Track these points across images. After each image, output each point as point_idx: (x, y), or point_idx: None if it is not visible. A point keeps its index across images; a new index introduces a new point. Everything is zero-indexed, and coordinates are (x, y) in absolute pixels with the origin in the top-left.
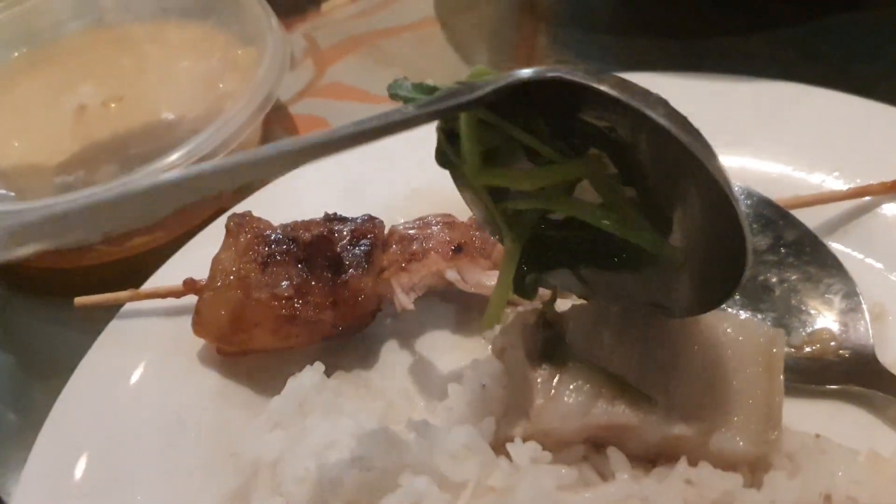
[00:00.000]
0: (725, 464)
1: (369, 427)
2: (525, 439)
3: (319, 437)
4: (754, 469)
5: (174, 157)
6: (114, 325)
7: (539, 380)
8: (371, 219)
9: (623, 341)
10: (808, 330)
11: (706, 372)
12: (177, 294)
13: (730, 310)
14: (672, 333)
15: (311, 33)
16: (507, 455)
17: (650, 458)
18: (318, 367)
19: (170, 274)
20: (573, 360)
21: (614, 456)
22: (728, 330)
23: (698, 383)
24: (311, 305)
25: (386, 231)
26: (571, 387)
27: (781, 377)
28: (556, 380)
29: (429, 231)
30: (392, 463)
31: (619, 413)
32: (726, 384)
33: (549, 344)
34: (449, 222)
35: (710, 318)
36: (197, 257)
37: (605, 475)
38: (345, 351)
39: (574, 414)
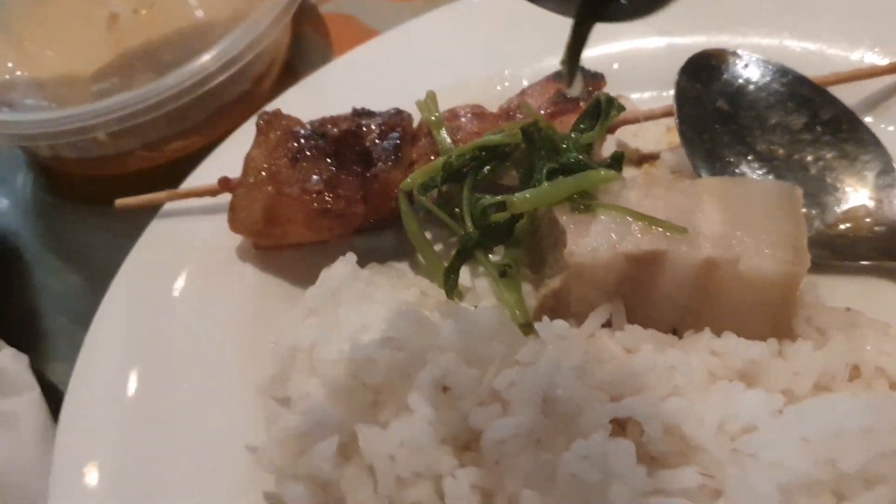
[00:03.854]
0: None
1: (400, 312)
2: (560, 290)
3: (352, 323)
4: (781, 338)
5: (205, 58)
6: (154, 226)
7: (571, 225)
8: (399, 112)
9: (648, 196)
10: (843, 207)
11: (730, 214)
12: (213, 192)
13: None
14: (694, 189)
15: None
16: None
17: (674, 328)
18: (351, 257)
19: (206, 174)
20: (602, 208)
21: (637, 331)
22: (748, 186)
23: (724, 222)
24: (343, 199)
25: (415, 125)
26: (602, 226)
27: (803, 219)
28: (587, 223)
29: (457, 122)
30: (422, 343)
31: (648, 241)
32: (751, 222)
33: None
34: (478, 113)
35: (729, 179)
36: (232, 157)
37: (630, 351)
38: (379, 244)
39: (605, 246)
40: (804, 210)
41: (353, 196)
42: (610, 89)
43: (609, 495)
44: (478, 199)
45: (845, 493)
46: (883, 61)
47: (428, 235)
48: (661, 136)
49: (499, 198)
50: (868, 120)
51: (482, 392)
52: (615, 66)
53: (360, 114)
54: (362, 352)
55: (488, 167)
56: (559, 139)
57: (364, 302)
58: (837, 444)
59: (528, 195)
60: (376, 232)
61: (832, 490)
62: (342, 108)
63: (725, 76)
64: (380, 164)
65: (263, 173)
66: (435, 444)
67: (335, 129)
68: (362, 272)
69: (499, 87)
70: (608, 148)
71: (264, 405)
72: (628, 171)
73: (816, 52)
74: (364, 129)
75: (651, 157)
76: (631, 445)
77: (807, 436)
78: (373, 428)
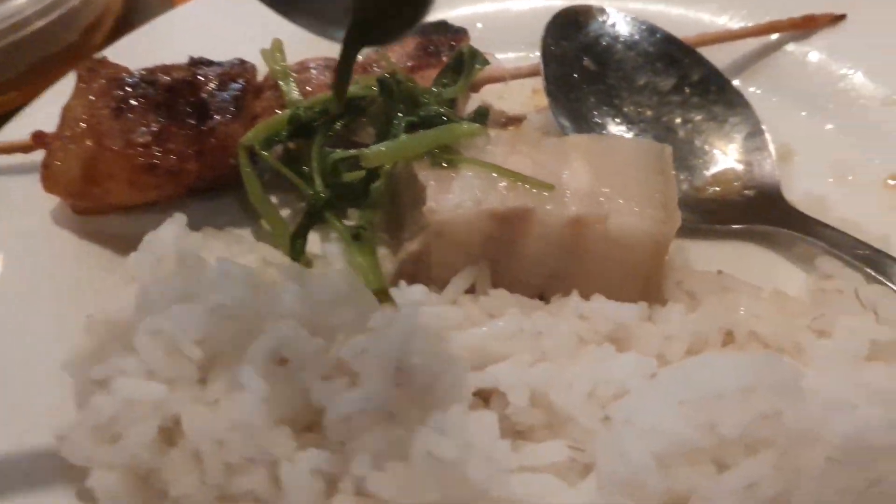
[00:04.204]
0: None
1: (232, 275)
2: (419, 253)
3: (178, 290)
4: (651, 303)
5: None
6: None
7: (431, 181)
8: (242, 63)
9: (514, 152)
10: (713, 171)
11: (599, 171)
12: (25, 149)
13: None
14: (562, 146)
15: None
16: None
17: (541, 294)
18: (180, 219)
19: (20, 129)
20: (465, 163)
21: (502, 295)
22: (618, 143)
23: (592, 179)
24: (173, 154)
25: (262, 78)
26: (465, 182)
27: (673, 177)
28: (449, 179)
29: (307, 74)
30: (258, 311)
31: (514, 198)
32: (620, 180)
33: (440, 153)
34: (332, 65)
35: (598, 137)
36: (51, 112)
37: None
38: (218, 208)
39: (468, 203)
40: (673, 173)
41: (185, 151)
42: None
43: (468, 473)
44: (328, 153)
45: (727, 460)
46: (752, 23)
47: (276, 201)
48: (526, 99)
49: (351, 151)
50: (736, 83)
51: (327, 364)
52: (479, 25)
53: (198, 63)
54: (188, 322)
55: (341, 122)
56: (420, 93)
57: (195, 267)
58: (716, 406)
59: (383, 148)
60: (215, 194)
61: (713, 458)
62: (181, 60)
63: (592, 34)
64: (217, 116)
65: (83, 125)
66: (270, 424)
67: (168, 78)
68: (193, 236)
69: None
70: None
71: (76, 385)
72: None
73: (685, 13)
74: (201, 79)
75: (516, 120)
76: (493, 417)
77: (683, 399)
78: (199, 408)
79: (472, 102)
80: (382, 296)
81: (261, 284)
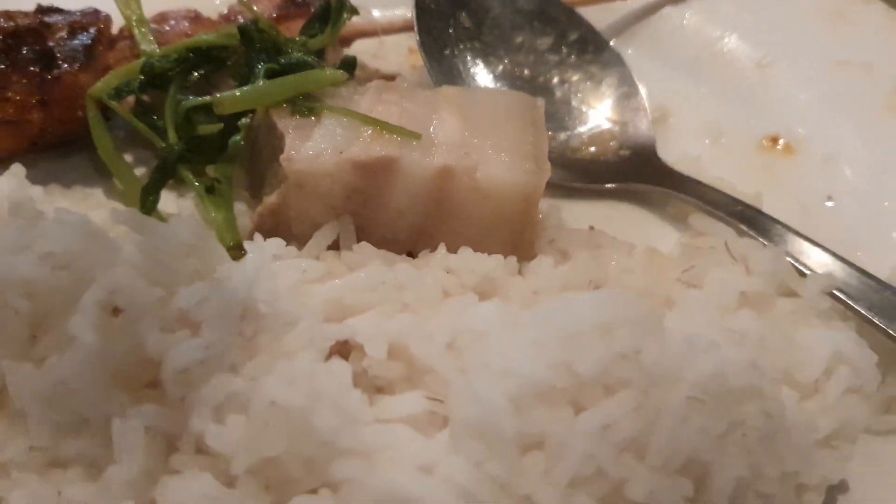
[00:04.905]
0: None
1: (66, 222)
2: (279, 207)
3: (8, 240)
4: (520, 257)
5: None
6: None
7: (290, 129)
8: (95, 12)
9: (381, 101)
10: (589, 130)
11: (469, 122)
12: None
13: None
14: (432, 97)
15: None
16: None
17: (409, 252)
18: (17, 170)
19: None
20: (328, 111)
21: (366, 249)
22: (489, 95)
23: (462, 130)
24: (12, 103)
25: (118, 30)
26: (326, 130)
27: (545, 130)
28: (309, 127)
29: (166, 25)
30: (94, 261)
31: (378, 147)
32: (491, 131)
33: (302, 101)
34: (193, 17)
35: (470, 89)
36: None
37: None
38: (67, 166)
39: (329, 152)
40: (550, 133)
41: (26, 100)
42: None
43: (315, 422)
44: (180, 101)
45: (584, 401)
46: None
47: (133, 159)
48: (402, 59)
49: (205, 98)
50: (613, 44)
51: (167, 315)
52: None
53: (46, 10)
54: (14, 271)
55: (199, 72)
56: (283, 42)
57: (32, 219)
58: (573, 345)
59: (238, 93)
60: (65, 151)
61: (570, 399)
62: (28, 7)
63: None
64: (65, 65)
65: None
66: (103, 380)
67: (9, 23)
68: (32, 189)
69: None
70: None
71: None
72: None
73: None
74: (49, 27)
75: (390, 78)
76: (346, 367)
77: (539, 338)
78: (24, 365)
79: None
80: (236, 252)
81: (96, 232)
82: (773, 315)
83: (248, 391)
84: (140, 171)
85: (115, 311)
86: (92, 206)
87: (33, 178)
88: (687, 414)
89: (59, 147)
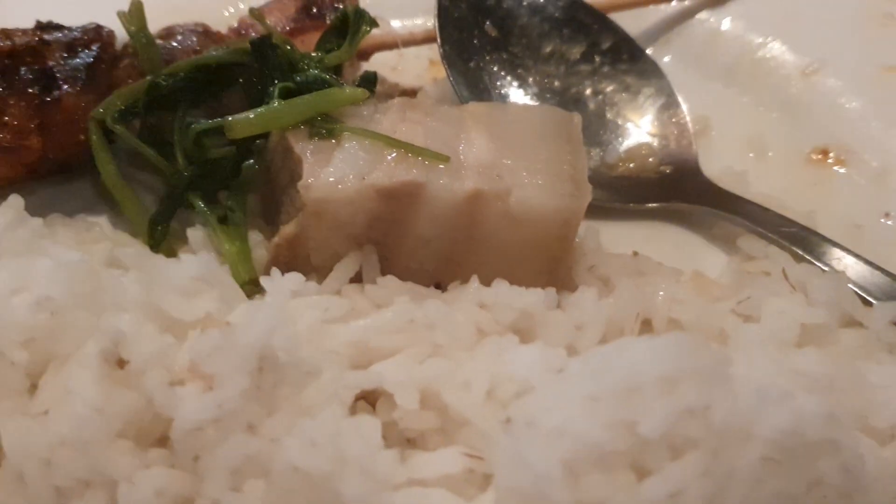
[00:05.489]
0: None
1: (64, 262)
2: (296, 237)
3: (2, 283)
4: (561, 289)
5: None
6: None
7: (308, 153)
8: (98, 28)
9: (405, 120)
10: (626, 145)
11: (500, 141)
12: None
13: None
14: (459, 114)
15: None
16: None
17: (437, 283)
18: (15, 202)
19: None
20: (348, 133)
21: (391, 283)
22: (521, 111)
23: (493, 150)
24: (9, 128)
25: (121, 45)
26: (347, 154)
27: (583, 148)
28: (329, 151)
29: (173, 41)
30: (96, 306)
31: (403, 171)
32: (524, 151)
33: (320, 122)
34: (202, 31)
35: (499, 104)
36: None
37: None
38: (69, 193)
39: (350, 177)
40: (583, 145)
41: (24, 125)
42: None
43: (340, 488)
44: (190, 125)
45: (649, 464)
46: None
47: (139, 185)
48: (423, 72)
49: (216, 121)
50: (649, 52)
51: (176, 365)
52: None
53: (45, 27)
54: (9, 316)
55: (210, 91)
56: (299, 58)
57: (32, 254)
58: (633, 400)
59: (251, 115)
60: (68, 177)
61: (631, 463)
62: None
63: None
64: (65, 86)
65: None
66: (107, 439)
67: (7, 42)
68: (32, 221)
69: (230, 12)
70: None
71: None
72: None
73: None
74: (48, 45)
75: (411, 92)
76: (374, 424)
77: (594, 393)
78: (22, 422)
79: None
80: (251, 287)
81: (98, 272)
82: (838, 351)
83: (267, 453)
84: (149, 199)
85: (120, 361)
86: (96, 237)
87: (32, 207)
88: (761, 475)
89: (60, 173)
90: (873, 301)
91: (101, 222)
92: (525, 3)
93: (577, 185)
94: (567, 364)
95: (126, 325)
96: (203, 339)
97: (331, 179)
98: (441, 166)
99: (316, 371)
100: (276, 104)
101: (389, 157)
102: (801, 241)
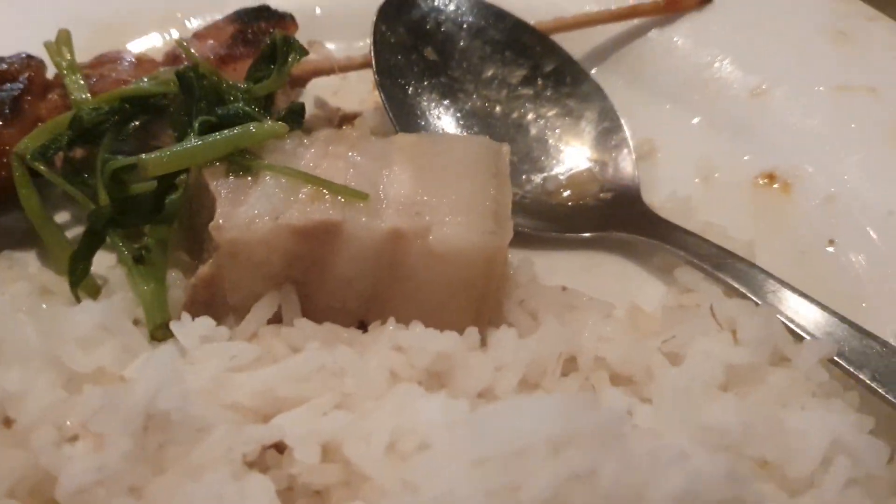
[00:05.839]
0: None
1: None
2: (213, 277)
3: None
4: (486, 327)
5: None
6: None
7: (222, 191)
8: (29, 58)
9: (328, 155)
10: (567, 172)
11: (423, 176)
12: None
13: None
14: (385, 148)
15: None
16: None
17: (361, 321)
18: None
19: None
20: (266, 170)
21: (306, 326)
22: (447, 143)
23: (415, 186)
24: None
25: (51, 75)
26: (262, 192)
27: (509, 181)
28: (244, 189)
29: (104, 69)
30: None
31: (319, 210)
32: (446, 186)
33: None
34: (134, 59)
35: (427, 136)
36: None
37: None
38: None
39: (263, 217)
40: (524, 177)
41: None
42: (309, 37)
43: None
44: (107, 160)
45: None
46: (612, 6)
47: (69, 217)
48: (366, 95)
49: (131, 159)
50: (594, 73)
51: (69, 421)
52: (318, 10)
53: None
54: None
55: (134, 124)
56: (226, 89)
57: None
58: (518, 464)
59: (166, 154)
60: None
61: None
62: None
63: (432, 19)
64: None
65: None
66: None
67: None
68: None
69: (170, 36)
70: (307, 109)
71: None
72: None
73: None
74: None
75: (353, 118)
76: (267, 486)
77: (482, 455)
78: None
79: (305, 99)
80: (163, 332)
81: (3, 322)
82: (762, 393)
83: None
84: (77, 231)
85: (7, 420)
86: (15, 276)
87: None
88: None
89: None
90: (806, 336)
91: (29, 258)
92: (466, 26)
93: (499, 221)
94: (463, 420)
95: (13, 384)
96: (90, 396)
97: (244, 219)
98: (360, 204)
99: (208, 428)
100: (193, 141)
101: (305, 195)
102: (737, 273)
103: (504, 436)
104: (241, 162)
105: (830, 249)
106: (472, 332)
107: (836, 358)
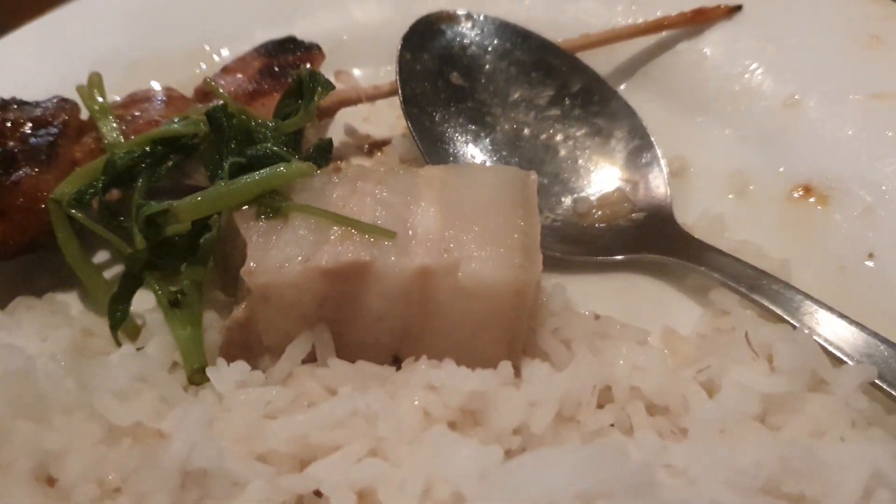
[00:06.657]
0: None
1: (10, 375)
2: (247, 320)
3: None
4: (520, 358)
5: None
6: None
7: (253, 235)
8: (63, 101)
9: (356, 192)
10: (598, 192)
11: (451, 210)
12: None
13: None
14: (412, 182)
15: None
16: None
17: (395, 356)
18: None
19: None
20: (295, 211)
21: (341, 367)
22: (474, 174)
23: (442, 221)
24: None
25: (85, 115)
26: (291, 235)
27: (536, 211)
28: (273, 232)
29: (135, 110)
30: (36, 410)
31: (348, 251)
32: (474, 219)
33: (268, 200)
34: (165, 97)
35: (454, 167)
36: None
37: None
38: (38, 271)
39: (293, 261)
40: (554, 199)
41: None
42: (336, 65)
43: None
44: (141, 206)
45: None
46: (638, 20)
47: (108, 257)
48: (395, 121)
49: (163, 204)
50: (622, 89)
51: (110, 475)
52: (344, 37)
53: (7, 104)
54: None
55: (168, 165)
56: (255, 128)
57: None
58: None
59: (197, 199)
60: (36, 255)
61: None
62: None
63: (457, 44)
64: (25, 168)
65: None
66: None
67: None
68: None
69: (200, 69)
70: (337, 136)
71: None
72: (359, 162)
73: (561, 13)
74: (9, 124)
75: (383, 145)
76: None
77: None
78: None
79: (337, 130)
80: (199, 377)
81: (30, 372)
82: (800, 422)
83: None
84: (117, 268)
85: (50, 479)
86: (59, 322)
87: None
88: None
89: (26, 253)
90: (845, 359)
91: (71, 300)
92: (491, 49)
93: (527, 253)
94: (496, 469)
95: (55, 443)
96: (122, 457)
97: (275, 263)
98: (388, 243)
99: (243, 481)
100: (222, 185)
101: (335, 236)
102: (773, 295)
103: (535, 489)
104: (271, 203)
105: (870, 263)
106: (506, 366)
107: (877, 381)
